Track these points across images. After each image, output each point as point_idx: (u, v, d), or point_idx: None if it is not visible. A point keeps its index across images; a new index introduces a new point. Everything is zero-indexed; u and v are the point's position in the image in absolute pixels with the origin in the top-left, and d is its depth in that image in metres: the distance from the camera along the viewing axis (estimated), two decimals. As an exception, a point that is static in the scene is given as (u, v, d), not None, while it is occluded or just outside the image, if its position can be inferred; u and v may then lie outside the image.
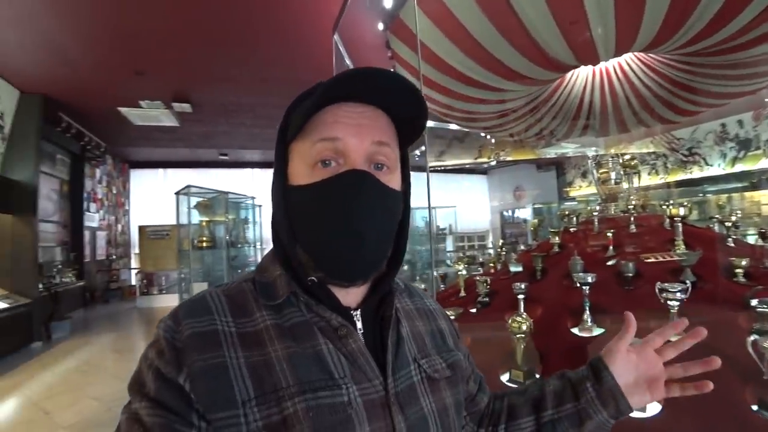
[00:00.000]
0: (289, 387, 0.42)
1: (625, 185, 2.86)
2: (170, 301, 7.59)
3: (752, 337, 1.15)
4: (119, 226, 9.47)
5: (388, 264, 0.54)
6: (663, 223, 2.30)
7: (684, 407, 1.20)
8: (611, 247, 2.17)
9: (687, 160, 6.22)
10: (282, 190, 0.50)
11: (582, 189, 9.20)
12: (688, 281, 1.51)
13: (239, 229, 5.05)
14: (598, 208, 2.68)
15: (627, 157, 2.86)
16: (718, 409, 1.16)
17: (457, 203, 10.09)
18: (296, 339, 0.46)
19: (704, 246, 1.97)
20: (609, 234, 2.21)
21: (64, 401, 3.35)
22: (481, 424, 0.64)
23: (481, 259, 3.71)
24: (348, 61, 3.49)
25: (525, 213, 11.04)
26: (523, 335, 1.52)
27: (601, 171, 2.76)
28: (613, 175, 2.69)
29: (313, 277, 0.48)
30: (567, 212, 2.92)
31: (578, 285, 1.70)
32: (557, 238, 2.51)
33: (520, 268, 2.48)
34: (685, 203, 2.38)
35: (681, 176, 6.48)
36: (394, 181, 0.51)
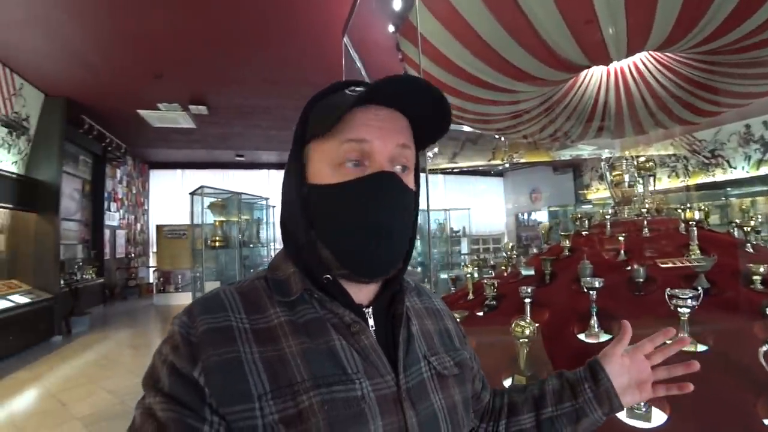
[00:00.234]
0: (304, 381, 0.44)
1: (640, 188, 2.78)
2: (185, 299, 7.76)
3: (765, 348, 1.10)
4: (138, 225, 9.72)
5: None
6: (678, 228, 2.23)
7: (693, 418, 1.16)
8: (623, 252, 2.11)
9: (709, 163, 6.01)
10: (298, 188, 0.50)
11: (599, 192, 8.99)
12: (700, 288, 1.46)
13: (252, 229, 5.12)
14: (610, 211, 2.61)
15: (642, 159, 2.78)
16: (728, 422, 1.12)
17: (472, 205, 10.01)
18: (310, 335, 0.47)
19: (721, 251, 1.90)
20: (621, 238, 2.15)
21: (80, 393, 3.46)
22: (483, 419, 0.67)
23: (492, 262, 3.66)
24: (359, 64, 3.51)
25: (541, 216, 10.87)
26: (526, 340, 1.49)
27: (614, 173, 2.69)
28: (626, 177, 2.61)
29: (328, 276, 0.49)
30: (579, 215, 2.86)
31: (585, 290, 1.66)
32: (568, 242, 2.46)
33: (531, 272, 2.44)
34: (702, 207, 2.30)
35: (703, 179, 6.26)
36: (411, 182, 0.53)
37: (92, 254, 7.51)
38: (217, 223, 4.46)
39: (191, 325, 0.45)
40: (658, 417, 1.18)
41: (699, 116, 3.44)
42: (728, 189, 5.44)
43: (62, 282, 5.74)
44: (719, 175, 5.92)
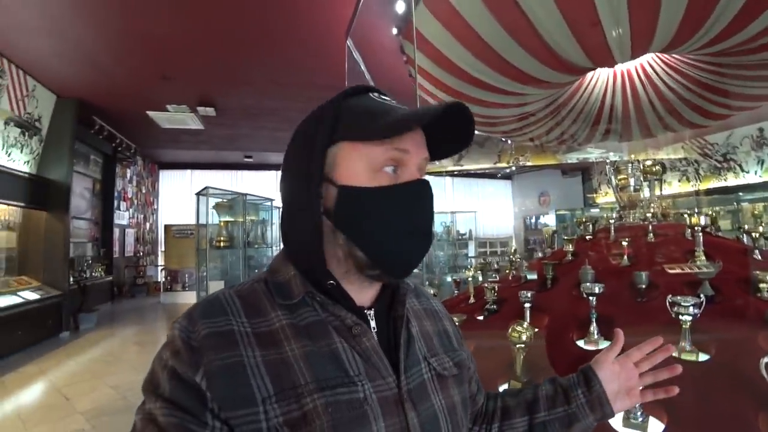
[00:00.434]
0: (307, 384, 0.44)
1: (646, 192, 2.73)
2: (191, 298, 7.83)
3: (766, 359, 1.07)
4: (147, 225, 9.86)
5: None
6: (684, 233, 2.18)
7: (689, 428, 1.13)
8: (626, 257, 2.07)
9: (721, 167, 5.88)
10: (316, 188, 0.49)
11: (608, 195, 8.85)
12: (702, 295, 1.42)
13: (257, 230, 5.15)
14: (614, 215, 2.57)
15: (648, 162, 2.73)
16: (728, 435, 1.09)
17: (480, 208, 9.94)
18: (311, 338, 0.47)
19: (727, 258, 1.85)
20: (624, 243, 2.11)
21: (84, 388, 3.52)
22: (476, 422, 0.67)
23: (496, 266, 3.63)
24: (363, 67, 3.51)
25: (549, 219, 10.76)
26: (523, 345, 1.47)
27: (619, 177, 2.65)
28: (632, 181, 2.57)
29: (332, 282, 0.50)
30: (584, 219, 2.82)
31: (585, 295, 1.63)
32: (571, 246, 2.43)
33: (534, 276, 2.41)
34: (710, 212, 2.25)
35: (715, 183, 6.12)
36: None
37: (101, 252, 7.63)
38: (222, 224, 4.50)
39: (192, 330, 0.45)
40: (655, 426, 1.15)
41: (709, 119, 3.38)
42: (740, 194, 5.32)
43: (71, 279, 5.84)
44: (731, 180, 5.79)
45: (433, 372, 0.55)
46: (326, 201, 0.50)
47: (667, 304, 1.38)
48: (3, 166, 4.78)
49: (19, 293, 4.84)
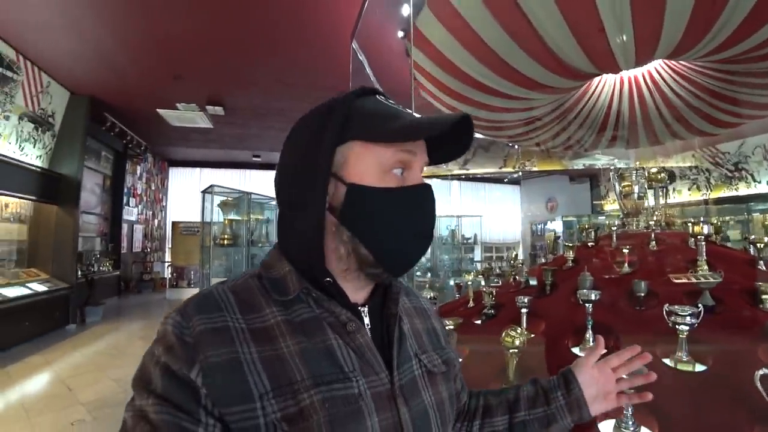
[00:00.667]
0: (304, 380, 0.44)
1: (651, 200, 2.70)
2: (196, 295, 7.90)
3: (761, 371, 1.04)
4: (156, 221, 9.99)
5: None
6: (687, 242, 2.15)
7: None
8: (626, 265, 2.05)
9: (732, 176, 5.79)
10: (323, 184, 0.50)
11: (616, 203, 8.74)
12: (701, 305, 1.40)
13: (261, 229, 5.19)
14: (617, 222, 2.54)
15: (654, 170, 2.70)
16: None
17: (488, 213, 9.87)
18: (306, 334, 0.48)
19: (730, 268, 1.82)
20: (625, 250, 2.09)
21: (88, 380, 3.58)
22: (458, 419, 0.69)
23: (498, 271, 3.61)
24: (368, 69, 3.53)
25: (557, 226, 10.67)
26: (516, 350, 1.46)
27: (623, 184, 2.62)
28: (636, 188, 2.55)
29: (329, 279, 0.51)
30: (587, 226, 2.79)
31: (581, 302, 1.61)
32: (571, 253, 2.41)
33: (536, 282, 2.40)
34: (715, 221, 2.22)
35: (726, 193, 6.02)
36: None
37: (110, 247, 7.75)
38: (226, 222, 4.55)
39: (186, 325, 0.45)
40: (644, 439, 1.13)
41: (719, 128, 3.32)
42: (751, 203, 5.23)
43: (79, 273, 5.95)
44: (743, 189, 5.70)
45: (423, 369, 0.56)
46: (333, 198, 0.50)
47: (664, 313, 1.36)
48: (16, 160, 4.89)
49: (27, 285, 4.93)
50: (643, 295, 1.74)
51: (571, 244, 2.51)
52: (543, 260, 3.46)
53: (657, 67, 2.74)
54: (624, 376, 0.69)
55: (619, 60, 1.96)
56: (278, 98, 5.85)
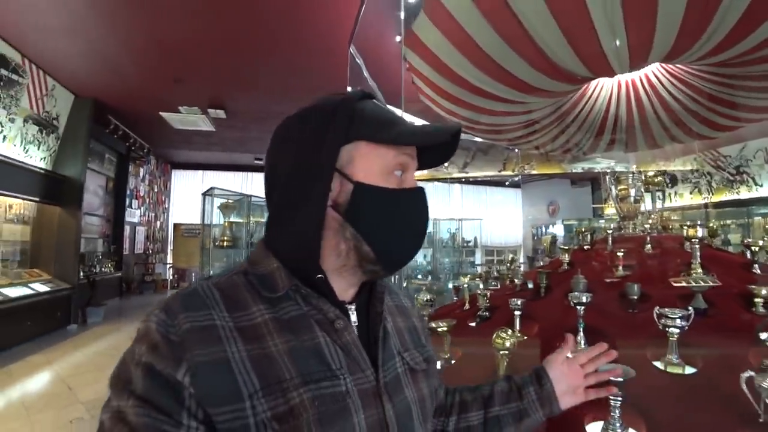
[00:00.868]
0: (293, 378, 0.44)
1: (648, 203, 2.70)
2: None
3: (747, 374, 1.05)
4: (158, 223, 10.03)
5: None
6: (682, 245, 2.14)
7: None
8: (621, 268, 2.05)
9: (734, 180, 5.76)
10: (325, 182, 0.50)
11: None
12: (691, 308, 1.40)
13: (260, 231, 5.22)
14: (613, 226, 2.54)
15: (651, 173, 2.70)
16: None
17: (489, 216, 9.87)
18: (294, 332, 0.48)
19: (725, 271, 1.82)
20: (620, 254, 2.09)
21: (88, 379, 3.60)
22: (435, 415, 0.69)
23: (496, 274, 3.61)
24: (366, 73, 3.55)
25: (558, 229, 10.65)
26: (506, 352, 1.46)
27: (620, 188, 2.62)
28: (632, 192, 2.55)
29: (320, 275, 0.51)
30: (583, 229, 2.79)
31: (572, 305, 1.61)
32: (567, 256, 2.41)
33: (531, 285, 2.40)
34: (711, 224, 2.21)
35: (727, 196, 6.00)
36: None
37: (112, 249, 7.79)
38: (226, 224, 4.57)
39: (171, 324, 0.43)
40: (631, 442, 1.13)
41: (717, 131, 3.31)
42: (752, 207, 5.20)
43: (81, 273, 5.99)
44: (744, 193, 5.67)
45: (406, 366, 0.57)
46: (337, 195, 0.51)
47: (654, 315, 1.37)
48: (20, 162, 4.94)
49: (30, 285, 4.98)
50: (636, 298, 1.74)
51: (567, 247, 2.51)
52: (540, 263, 3.46)
53: (654, 70, 2.75)
54: (591, 372, 0.72)
55: (613, 64, 1.97)
56: (278, 102, 5.90)
